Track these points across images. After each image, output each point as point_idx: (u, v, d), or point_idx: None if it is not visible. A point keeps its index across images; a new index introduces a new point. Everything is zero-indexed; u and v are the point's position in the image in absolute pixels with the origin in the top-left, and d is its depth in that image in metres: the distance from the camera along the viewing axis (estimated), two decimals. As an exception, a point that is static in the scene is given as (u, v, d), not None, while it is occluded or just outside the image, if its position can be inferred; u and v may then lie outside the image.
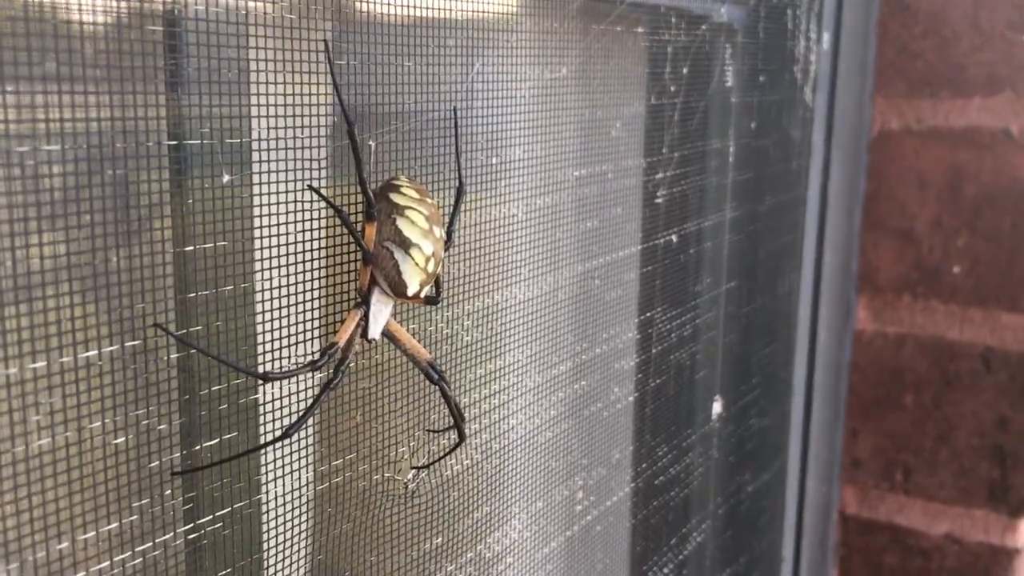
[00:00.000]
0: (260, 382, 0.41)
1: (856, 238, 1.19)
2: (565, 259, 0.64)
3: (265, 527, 0.45)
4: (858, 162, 1.17)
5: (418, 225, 0.45)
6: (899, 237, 1.18)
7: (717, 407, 0.89)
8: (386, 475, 0.51)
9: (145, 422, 0.38)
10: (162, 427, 0.39)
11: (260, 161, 0.42)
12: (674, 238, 0.77)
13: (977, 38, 1.11)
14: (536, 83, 0.58)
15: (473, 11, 0.53)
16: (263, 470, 0.44)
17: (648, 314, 0.75)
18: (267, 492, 0.45)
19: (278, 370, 0.41)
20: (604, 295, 0.69)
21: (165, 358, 0.38)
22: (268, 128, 0.42)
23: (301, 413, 0.40)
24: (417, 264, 0.45)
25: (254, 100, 0.42)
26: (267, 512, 0.45)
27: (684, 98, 0.75)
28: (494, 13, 0.54)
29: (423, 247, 0.45)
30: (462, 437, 0.50)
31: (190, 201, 0.39)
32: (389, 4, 0.47)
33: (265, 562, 0.45)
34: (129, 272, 0.37)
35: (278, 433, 0.40)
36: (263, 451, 0.41)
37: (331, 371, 0.43)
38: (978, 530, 1.20)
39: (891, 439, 1.23)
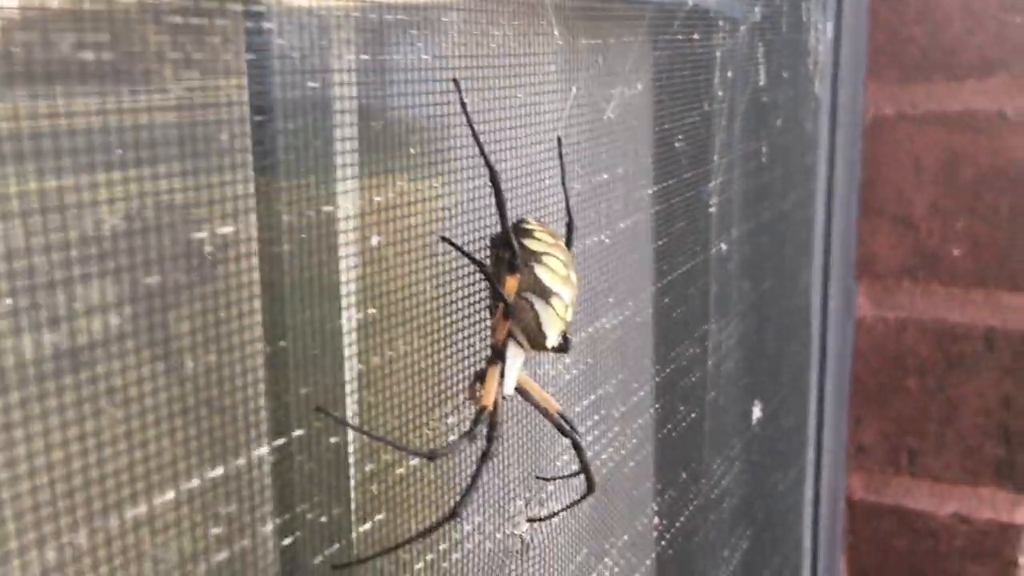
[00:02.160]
0: (427, 460, 0.38)
1: (854, 226, 1.19)
2: (641, 281, 0.62)
3: None
4: (854, 149, 1.16)
5: (557, 272, 0.41)
6: (897, 223, 1.18)
7: (757, 412, 0.88)
8: (506, 532, 0.48)
9: (309, 515, 0.34)
10: (323, 519, 0.35)
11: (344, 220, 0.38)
12: (723, 246, 0.75)
13: (969, 20, 1.11)
14: (618, 101, 0.55)
15: (565, 31, 0.50)
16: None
17: (704, 327, 0.73)
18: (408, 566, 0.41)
19: (442, 446, 0.37)
20: (670, 313, 0.67)
21: (324, 443, 0.35)
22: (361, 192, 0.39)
23: (464, 491, 0.37)
24: (557, 314, 0.41)
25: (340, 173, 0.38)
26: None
27: (730, 102, 0.72)
28: (584, 32, 0.51)
29: (563, 295, 0.41)
30: (591, 487, 0.47)
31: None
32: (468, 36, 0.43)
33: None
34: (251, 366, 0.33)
35: (444, 514, 0.37)
36: (426, 535, 0.38)
37: (484, 440, 0.39)
38: (985, 508, 1.21)
39: (895, 423, 1.23)
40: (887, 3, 1.14)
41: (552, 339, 0.42)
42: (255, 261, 0.34)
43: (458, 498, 0.37)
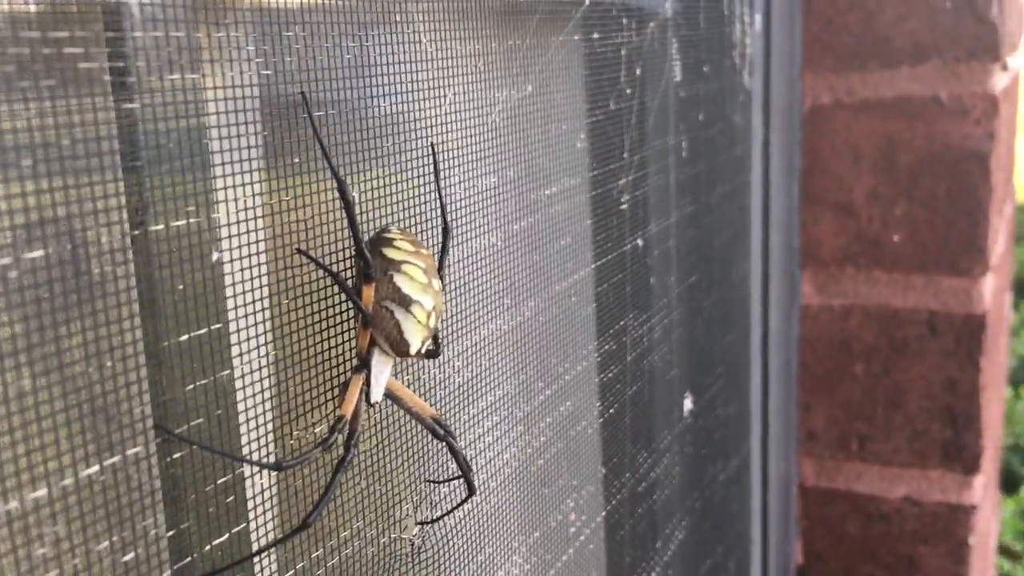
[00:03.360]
0: (274, 472, 0.38)
1: (795, 215, 1.20)
2: (544, 281, 0.62)
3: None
4: (792, 139, 1.17)
5: (417, 280, 0.42)
6: (838, 210, 1.19)
7: (688, 403, 0.88)
8: (392, 536, 0.49)
9: (153, 531, 0.35)
10: (169, 533, 0.36)
11: (231, 236, 0.39)
12: (640, 242, 0.75)
13: (902, 7, 1.12)
14: (504, 105, 0.56)
15: (436, 39, 0.50)
16: (272, 556, 0.41)
17: (622, 323, 0.73)
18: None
19: (290, 457, 0.38)
20: (580, 311, 0.68)
21: (162, 461, 0.35)
22: (238, 201, 0.39)
23: (317, 500, 0.37)
24: (419, 321, 0.42)
25: (220, 174, 0.38)
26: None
27: (640, 99, 0.73)
28: (458, 38, 0.51)
29: (423, 303, 0.42)
30: (472, 491, 0.48)
31: (160, 290, 0.36)
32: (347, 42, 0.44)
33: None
34: (103, 380, 0.33)
35: (295, 524, 0.38)
36: (281, 543, 0.38)
37: (342, 447, 0.40)
38: (935, 490, 1.22)
39: (844, 409, 1.24)
40: (820, -8, 1.14)
41: (415, 346, 0.42)
42: (131, 268, 0.34)
43: (311, 508, 0.37)
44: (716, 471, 0.97)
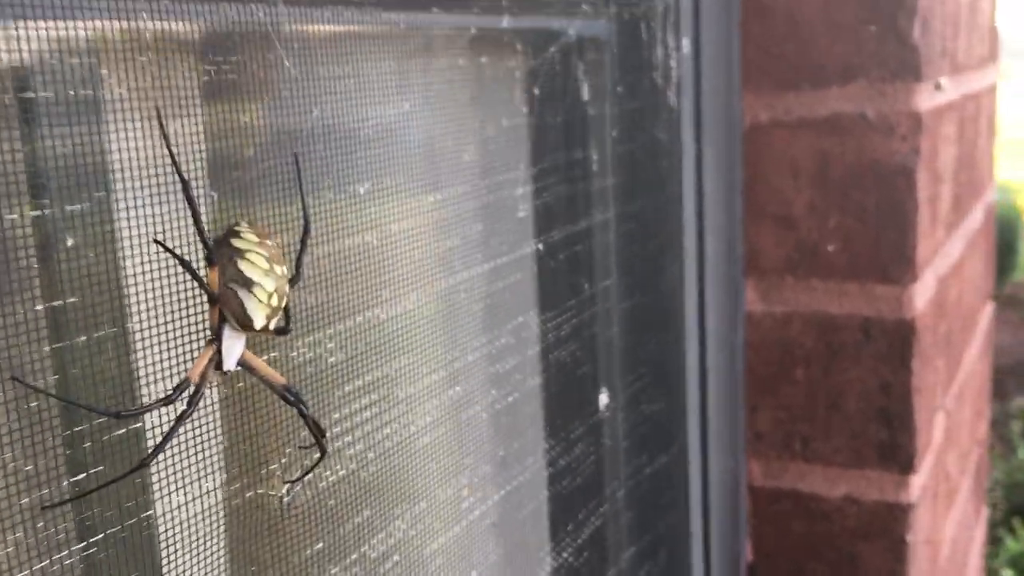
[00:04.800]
0: (115, 420, 0.46)
1: (739, 226, 1.26)
2: (428, 276, 0.70)
3: (156, 546, 0.50)
4: (732, 155, 1.24)
5: (258, 265, 0.50)
6: (778, 222, 1.25)
7: (604, 398, 0.95)
8: (259, 491, 0.56)
9: (20, 462, 0.43)
10: (39, 463, 0.43)
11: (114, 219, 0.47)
12: (540, 246, 0.82)
13: (833, 31, 1.19)
14: (377, 121, 0.63)
15: (300, 63, 0.58)
16: (150, 492, 0.49)
17: (520, 319, 0.81)
18: (154, 510, 0.49)
19: (132, 408, 0.46)
20: (470, 307, 0.75)
21: (29, 405, 0.43)
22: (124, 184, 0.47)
23: (156, 445, 0.45)
24: (260, 300, 0.50)
25: (110, 156, 0.46)
26: (153, 532, 0.50)
27: (539, 117, 0.80)
28: (337, 55, 0.59)
29: (265, 285, 0.50)
30: (323, 451, 0.55)
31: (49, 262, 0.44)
32: (227, 54, 0.52)
33: (154, 580, 0.50)
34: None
35: (135, 464, 0.45)
36: (126, 478, 0.46)
37: (185, 404, 0.48)
38: (873, 489, 1.28)
39: (787, 411, 1.30)
40: (756, 21, 1.22)
41: (259, 322, 0.50)
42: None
43: (150, 450, 0.45)
44: (641, 465, 1.04)
